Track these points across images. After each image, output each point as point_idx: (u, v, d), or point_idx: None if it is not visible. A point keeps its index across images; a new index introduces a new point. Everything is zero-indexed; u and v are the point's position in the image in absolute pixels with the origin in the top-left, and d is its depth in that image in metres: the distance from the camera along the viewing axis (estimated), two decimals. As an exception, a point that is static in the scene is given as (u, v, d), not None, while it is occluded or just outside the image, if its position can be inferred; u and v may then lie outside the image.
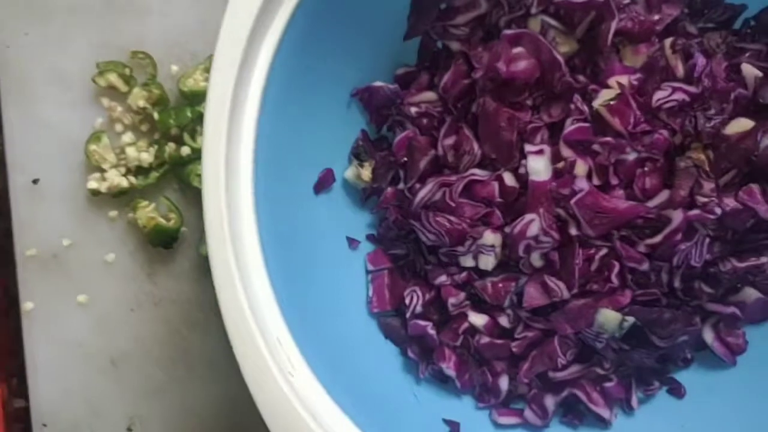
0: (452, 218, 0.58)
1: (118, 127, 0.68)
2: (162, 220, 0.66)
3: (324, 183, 0.61)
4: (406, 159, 0.62)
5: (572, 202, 0.55)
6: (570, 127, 0.56)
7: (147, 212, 0.66)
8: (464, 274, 0.60)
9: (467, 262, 0.59)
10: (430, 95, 0.63)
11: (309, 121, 0.58)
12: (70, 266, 0.67)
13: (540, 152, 0.56)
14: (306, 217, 0.59)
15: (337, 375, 0.52)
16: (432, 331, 0.60)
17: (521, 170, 0.57)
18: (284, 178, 0.57)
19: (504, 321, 0.60)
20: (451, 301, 0.59)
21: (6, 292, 0.67)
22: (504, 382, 0.60)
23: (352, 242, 0.63)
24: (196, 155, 0.66)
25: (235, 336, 0.47)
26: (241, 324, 0.47)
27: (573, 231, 0.56)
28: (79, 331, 0.67)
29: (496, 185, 0.58)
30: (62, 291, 0.67)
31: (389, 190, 0.63)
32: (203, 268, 0.67)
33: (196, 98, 0.67)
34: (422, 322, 0.60)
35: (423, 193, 0.59)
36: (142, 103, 0.67)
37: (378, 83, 0.62)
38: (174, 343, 0.67)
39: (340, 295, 0.61)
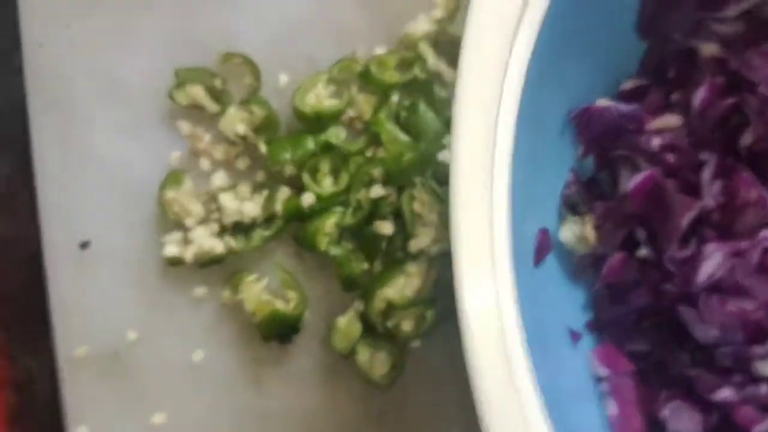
0: (748, 305, 0.39)
1: (205, 164, 0.46)
2: (280, 304, 0.44)
3: (543, 250, 0.41)
4: (651, 212, 0.42)
5: None
6: None
7: (257, 291, 0.44)
8: (764, 388, 0.40)
9: (766, 369, 0.39)
10: (673, 120, 0.43)
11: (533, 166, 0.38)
12: (139, 371, 0.45)
13: None
14: (530, 300, 0.39)
15: None
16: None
17: None
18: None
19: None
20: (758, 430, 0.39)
21: (47, 412, 0.45)
22: None
23: (574, 335, 0.42)
24: (322, 205, 0.45)
25: None
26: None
27: None
28: (152, 464, 0.45)
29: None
30: (128, 407, 0.45)
31: (617, 256, 0.43)
32: (334, 368, 0.46)
33: (320, 122, 0.46)
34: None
35: (710, 267, 0.39)
36: (241, 128, 0.45)
37: (603, 102, 0.42)
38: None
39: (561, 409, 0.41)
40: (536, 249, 0.40)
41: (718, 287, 0.39)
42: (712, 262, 0.39)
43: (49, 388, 0.45)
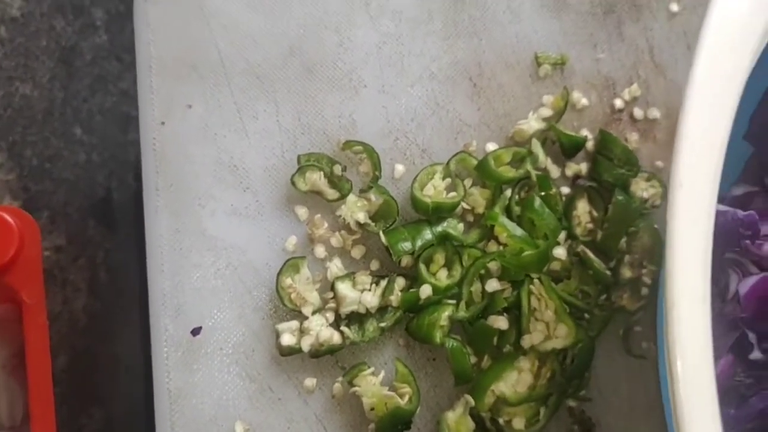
0: None
1: (320, 251, 0.45)
2: (399, 400, 0.43)
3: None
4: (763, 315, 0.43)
5: None
6: None
7: (375, 385, 0.43)
8: None
9: None
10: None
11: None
12: (245, 465, 0.43)
13: None
14: None
15: None
16: None
17: None
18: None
19: None
20: None
21: None
22: None
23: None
24: (437, 297, 0.45)
25: None
26: None
27: None
28: None
29: None
30: (230, 505, 0.43)
31: (725, 359, 0.43)
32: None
33: (437, 214, 0.46)
34: None
35: None
36: (361, 216, 0.45)
37: (719, 207, 0.44)
38: None
39: None
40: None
41: None
42: None
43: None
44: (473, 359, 0.45)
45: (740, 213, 0.44)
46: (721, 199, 0.45)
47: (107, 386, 0.63)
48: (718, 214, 0.44)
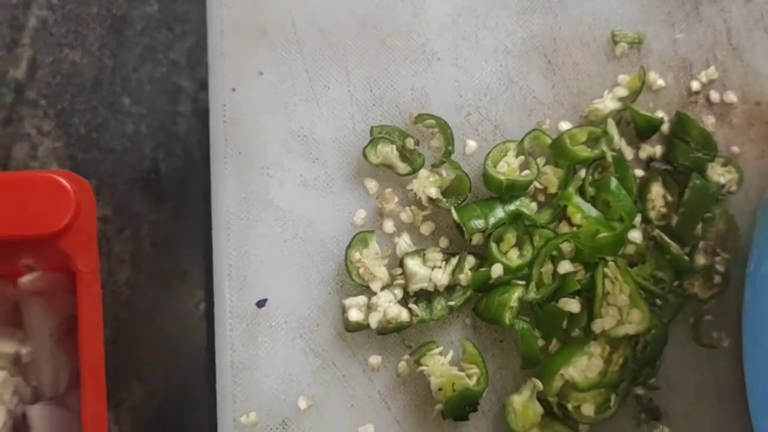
0: None
1: (388, 226, 0.44)
2: (467, 380, 0.42)
3: None
4: None
5: None
6: None
7: (443, 365, 0.42)
8: None
9: None
10: None
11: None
12: (308, 442, 0.42)
13: None
14: None
15: None
16: None
17: None
18: None
19: None
20: None
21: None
22: None
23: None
24: (507, 277, 0.44)
25: None
26: None
27: None
28: None
29: None
30: (292, 482, 0.42)
31: None
32: (507, 449, 0.44)
33: (510, 191, 0.44)
34: None
35: None
36: (433, 192, 0.44)
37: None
38: None
39: None
40: None
41: None
42: None
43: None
44: (541, 343, 0.44)
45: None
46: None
47: (148, 361, 0.62)
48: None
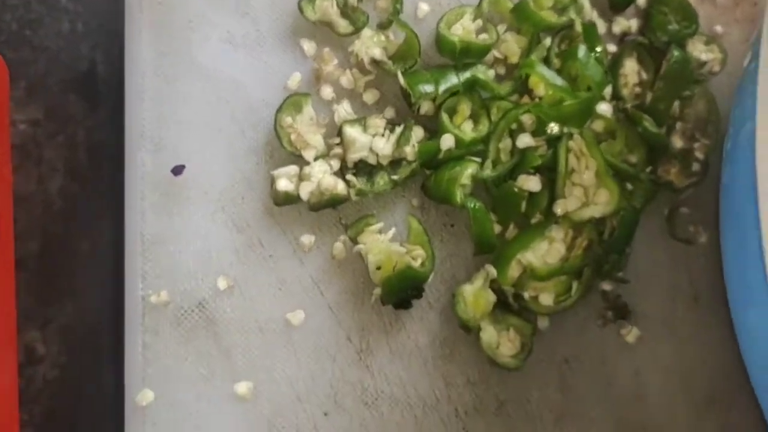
0: None
1: (327, 92, 0.39)
2: (411, 260, 0.37)
3: None
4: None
5: None
6: None
7: (383, 242, 0.37)
8: None
9: None
10: None
11: None
12: (225, 328, 0.37)
13: None
14: None
15: None
16: None
17: None
18: None
19: None
20: None
21: (107, 369, 0.37)
22: None
23: None
24: (460, 152, 0.39)
25: None
26: None
27: None
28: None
29: None
30: (207, 372, 0.37)
31: None
32: (452, 345, 0.39)
33: (465, 57, 0.39)
34: None
35: None
36: (377, 53, 0.39)
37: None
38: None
39: None
40: None
41: None
42: None
43: (109, 336, 0.37)
44: (497, 229, 0.39)
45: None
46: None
47: (81, 277, 0.57)
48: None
